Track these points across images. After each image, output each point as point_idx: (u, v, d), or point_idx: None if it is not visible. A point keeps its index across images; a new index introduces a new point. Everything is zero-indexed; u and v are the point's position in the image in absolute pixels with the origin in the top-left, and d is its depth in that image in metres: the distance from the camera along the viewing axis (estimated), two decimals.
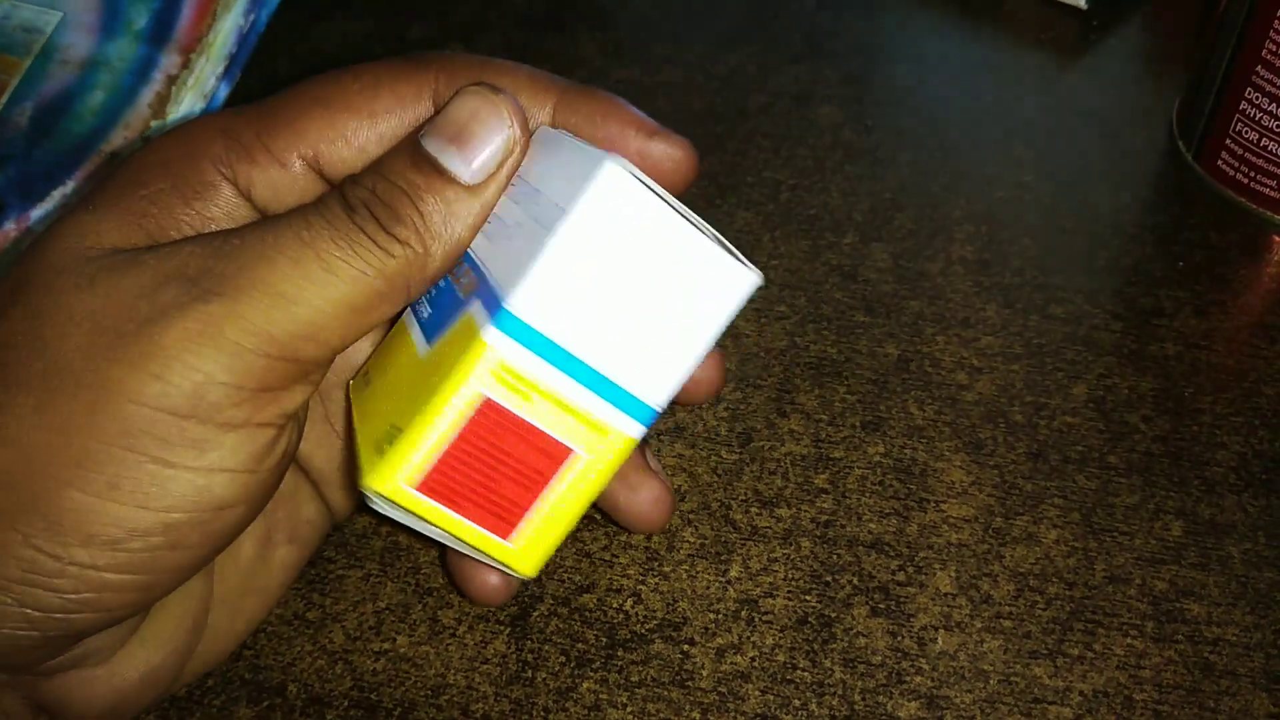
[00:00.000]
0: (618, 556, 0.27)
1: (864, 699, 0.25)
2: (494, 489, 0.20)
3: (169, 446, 0.19)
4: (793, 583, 0.27)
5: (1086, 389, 0.30)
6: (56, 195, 0.34)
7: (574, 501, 0.21)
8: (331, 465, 0.26)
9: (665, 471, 0.28)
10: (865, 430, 0.29)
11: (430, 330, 0.22)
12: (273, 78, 0.41)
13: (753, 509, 0.28)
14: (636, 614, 0.26)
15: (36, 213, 0.34)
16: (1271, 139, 0.32)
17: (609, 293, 0.20)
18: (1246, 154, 0.33)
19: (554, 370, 0.20)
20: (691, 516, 0.28)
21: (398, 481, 0.20)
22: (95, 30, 0.36)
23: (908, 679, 0.25)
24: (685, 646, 0.26)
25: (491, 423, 0.20)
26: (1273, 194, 0.33)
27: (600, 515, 0.28)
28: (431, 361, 0.21)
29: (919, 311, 0.32)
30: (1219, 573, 0.26)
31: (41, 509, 0.18)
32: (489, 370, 0.19)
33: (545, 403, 0.20)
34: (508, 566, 0.21)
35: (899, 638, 0.26)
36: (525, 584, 0.27)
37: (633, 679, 0.25)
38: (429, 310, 0.22)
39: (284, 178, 0.22)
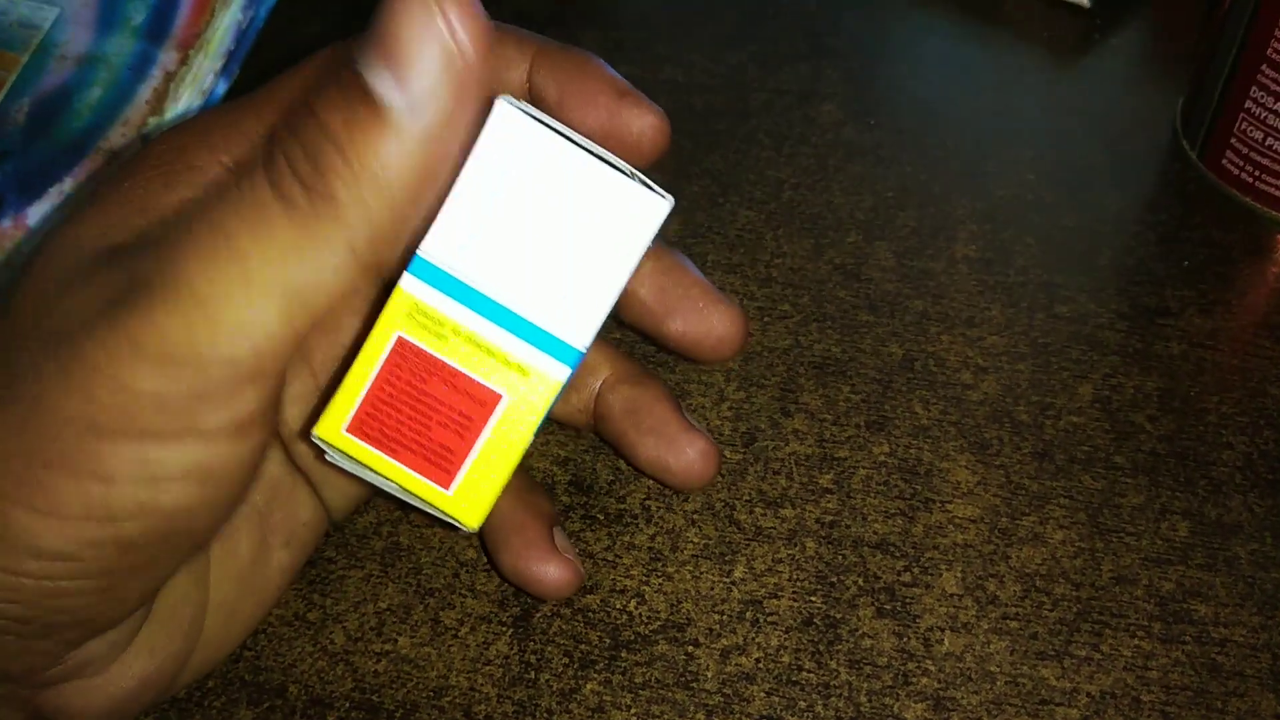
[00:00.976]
0: (621, 557, 0.27)
1: (870, 700, 0.24)
2: (428, 436, 0.21)
3: (103, 462, 0.18)
4: (798, 583, 0.26)
5: (1092, 389, 0.30)
6: (54, 192, 0.34)
7: (507, 448, 0.21)
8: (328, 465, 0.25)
9: None
10: (870, 430, 0.29)
11: None
12: (271, 74, 0.40)
13: (757, 509, 0.28)
14: (640, 615, 0.26)
15: (34, 209, 0.33)
16: (1276, 138, 0.32)
17: (518, 232, 0.20)
18: (1251, 153, 0.33)
19: (468, 311, 0.20)
20: (695, 517, 0.28)
21: (338, 428, 0.20)
22: (93, 26, 0.36)
23: (914, 680, 0.25)
24: (689, 648, 0.25)
25: (410, 364, 0.20)
26: (1277, 193, 0.33)
27: (604, 517, 0.28)
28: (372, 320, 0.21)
29: (923, 311, 0.32)
30: (1226, 573, 0.26)
31: None
32: (404, 312, 0.20)
33: (464, 345, 0.20)
34: (451, 517, 0.21)
35: (905, 639, 0.25)
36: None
37: (637, 680, 0.25)
38: None
39: None
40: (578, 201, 0.20)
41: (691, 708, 0.24)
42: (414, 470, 0.21)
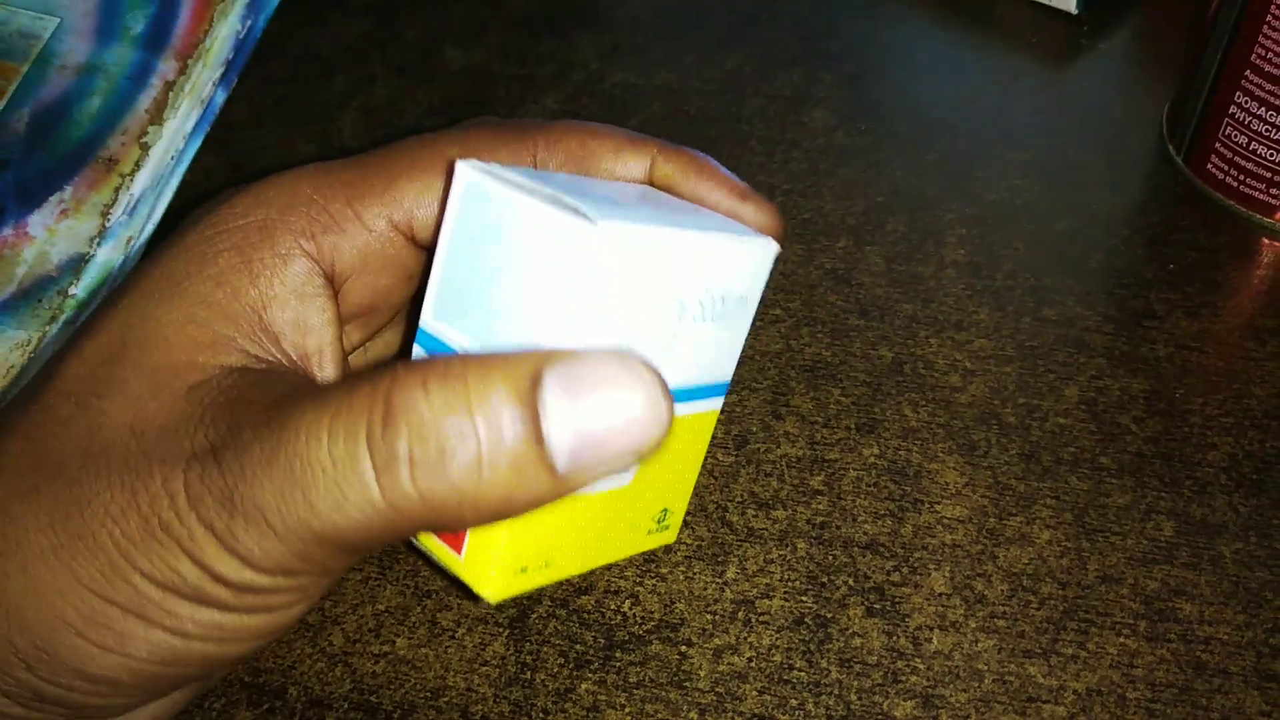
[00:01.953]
0: None
1: (860, 699, 0.25)
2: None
3: (179, 620, 0.18)
4: (789, 584, 0.27)
5: (1078, 390, 0.30)
6: (54, 201, 0.34)
7: (694, 465, 0.23)
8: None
9: None
10: (860, 432, 0.30)
11: None
12: (269, 82, 0.41)
13: (749, 511, 0.28)
14: (634, 615, 0.26)
15: (34, 218, 0.34)
16: (1261, 143, 0.33)
17: (498, 287, 0.19)
18: (1236, 157, 0.33)
19: None
20: (688, 518, 0.28)
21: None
22: (92, 36, 0.37)
23: (903, 679, 0.25)
24: (683, 647, 0.26)
25: None
26: (1262, 197, 0.33)
27: None
28: None
29: (912, 314, 0.32)
30: (1210, 572, 0.27)
31: (35, 639, 0.18)
32: None
33: None
34: (470, 586, 0.20)
35: (894, 638, 0.26)
36: None
37: (631, 680, 0.25)
38: None
39: (372, 244, 0.21)
40: (532, 242, 0.18)
41: (685, 706, 0.25)
42: (437, 537, 0.20)
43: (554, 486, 0.16)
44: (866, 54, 0.41)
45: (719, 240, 0.20)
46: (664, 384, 0.16)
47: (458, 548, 0.19)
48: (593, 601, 0.27)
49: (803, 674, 0.25)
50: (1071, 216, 0.35)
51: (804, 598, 0.27)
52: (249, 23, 0.37)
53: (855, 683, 0.25)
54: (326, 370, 0.21)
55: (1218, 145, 0.34)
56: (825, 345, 0.32)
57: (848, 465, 0.29)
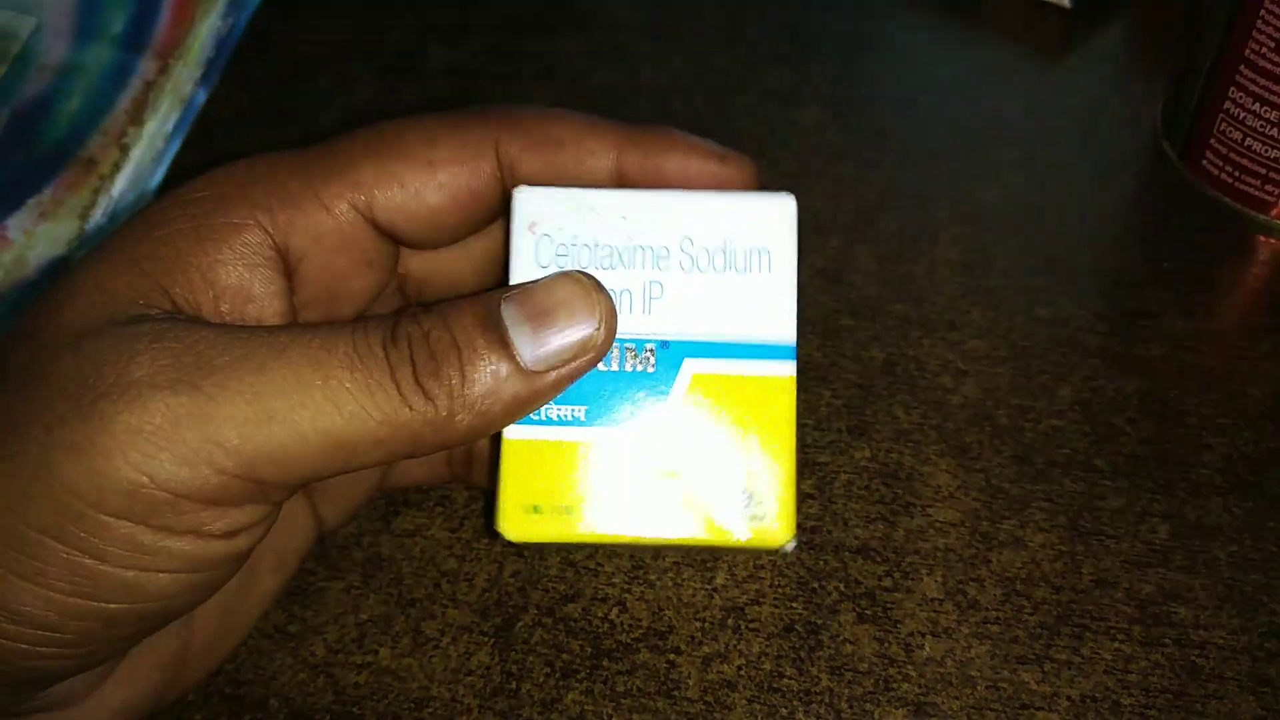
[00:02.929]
0: (603, 565, 0.27)
1: (851, 706, 0.25)
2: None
3: (98, 543, 0.18)
4: (779, 590, 0.26)
5: (1072, 391, 0.30)
6: (33, 203, 0.34)
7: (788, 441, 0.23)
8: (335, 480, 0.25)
9: None
10: (851, 435, 0.29)
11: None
12: (251, 82, 0.40)
13: None
14: (622, 623, 0.26)
15: (13, 220, 0.33)
16: (1256, 139, 0.32)
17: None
18: (1231, 154, 0.33)
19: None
20: None
21: None
22: (71, 36, 0.36)
23: (895, 686, 0.25)
24: (671, 655, 0.25)
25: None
26: (1258, 194, 0.33)
27: None
28: None
29: (904, 314, 0.32)
30: (1205, 576, 0.26)
31: None
32: None
33: None
34: (494, 524, 0.22)
35: (886, 644, 0.25)
36: (510, 594, 0.27)
37: (618, 689, 0.25)
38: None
39: (328, 222, 0.21)
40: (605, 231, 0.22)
41: (673, 716, 0.25)
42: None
43: (529, 385, 0.19)
44: (857, 51, 0.41)
45: (687, 195, 0.23)
46: (595, 288, 0.20)
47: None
48: (579, 609, 0.26)
49: (793, 682, 0.25)
50: (1065, 214, 0.34)
51: (794, 604, 0.26)
52: (230, 21, 0.37)
53: (846, 690, 0.25)
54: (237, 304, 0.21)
55: (1213, 142, 0.33)
56: (816, 346, 0.31)
57: (839, 468, 0.29)
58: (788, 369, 0.22)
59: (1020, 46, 0.40)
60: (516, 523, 0.21)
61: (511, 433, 0.21)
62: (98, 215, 0.34)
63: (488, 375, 0.19)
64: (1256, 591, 0.26)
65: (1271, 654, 0.25)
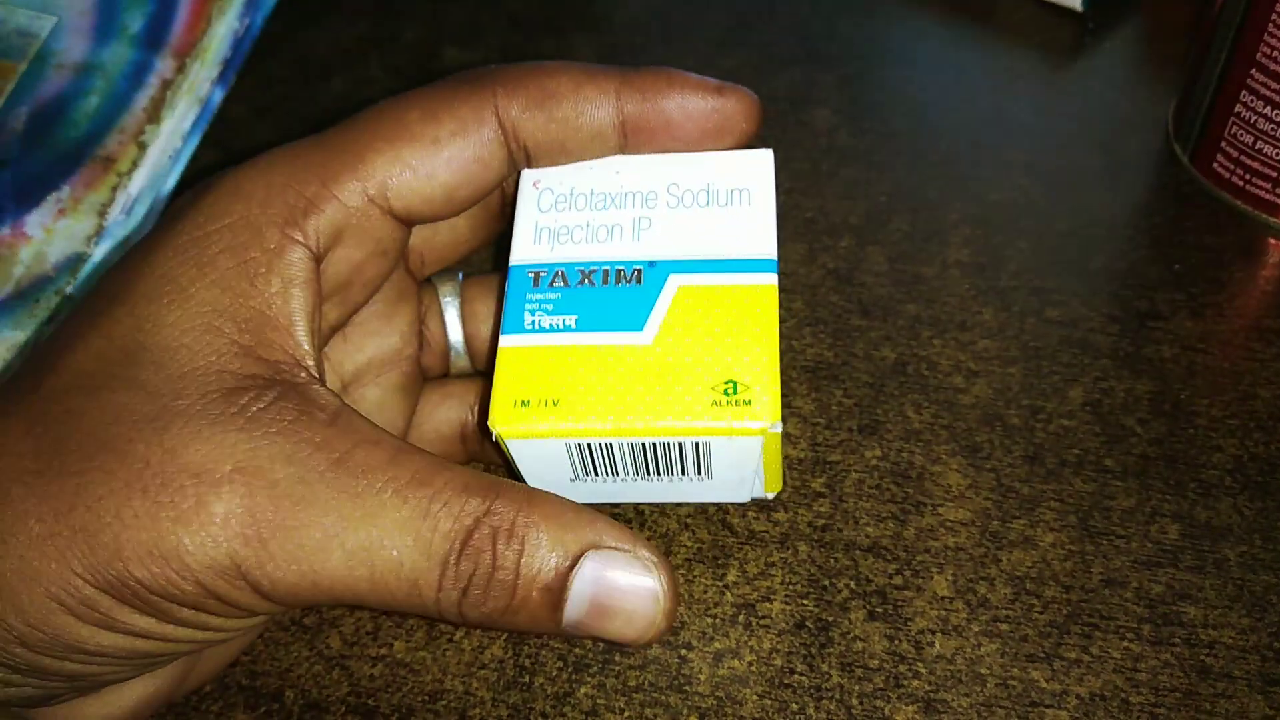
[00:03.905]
0: None
1: (861, 703, 0.25)
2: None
3: (142, 606, 0.19)
4: (790, 587, 0.27)
5: (1083, 392, 0.30)
6: (51, 200, 0.34)
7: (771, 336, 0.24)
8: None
9: None
10: (862, 433, 0.29)
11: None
12: (267, 82, 0.41)
13: (750, 513, 0.28)
14: None
15: (32, 217, 0.34)
16: (1267, 142, 0.32)
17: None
18: (1242, 156, 0.33)
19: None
20: (688, 521, 0.28)
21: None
22: (90, 35, 0.36)
23: (905, 683, 0.25)
24: (683, 651, 0.26)
25: None
26: (1268, 196, 0.33)
27: None
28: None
29: (915, 314, 0.32)
30: (1215, 576, 0.26)
31: (29, 618, 0.18)
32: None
33: None
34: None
35: (896, 641, 0.26)
36: None
37: (630, 684, 0.25)
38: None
39: (347, 219, 0.22)
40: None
41: (685, 711, 0.25)
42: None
43: (554, 631, 0.20)
44: (867, 54, 0.41)
45: (676, 155, 0.25)
46: (673, 602, 0.21)
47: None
48: None
49: (804, 678, 0.25)
50: (1076, 216, 0.35)
51: (805, 601, 0.26)
52: (247, 21, 0.37)
53: (857, 687, 0.25)
54: (302, 340, 0.21)
55: (1224, 144, 0.34)
56: (827, 346, 0.31)
57: (850, 467, 0.29)
58: (769, 279, 0.23)
59: (1031, 49, 0.40)
60: (505, 415, 0.22)
61: (507, 341, 0.22)
62: (116, 212, 0.34)
63: (521, 623, 0.20)
64: (1266, 591, 0.26)
65: None
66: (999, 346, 0.31)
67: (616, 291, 0.23)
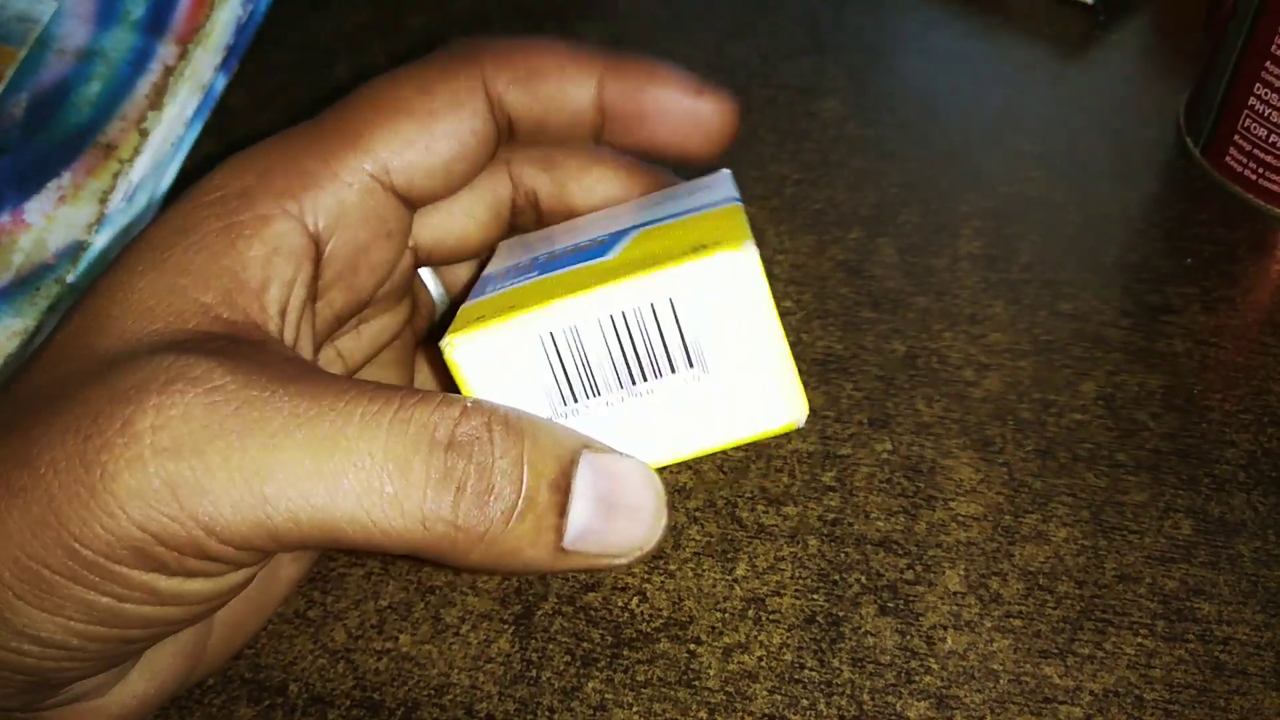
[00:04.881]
0: None
1: (873, 699, 0.24)
2: None
3: (114, 586, 0.17)
4: (800, 581, 0.26)
5: (1095, 386, 0.30)
6: (52, 187, 0.33)
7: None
8: None
9: (670, 470, 0.28)
10: (872, 427, 0.29)
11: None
12: (270, 69, 0.40)
13: (759, 507, 0.28)
14: (642, 613, 0.26)
15: (32, 204, 0.33)
16: None
17: None
18: (1255, 150, 0.33)
19: None
20: (697, 514, 0.28)
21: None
22: (91, 20, 0.36)
23: (917, 679, 0.25)
24: (692, 645, 0.25)
25: None
26: None
27: None
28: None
29: (926, 307, 0.32)
30: (1229, 571, 0.26)
31: None
32: None
33: None
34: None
35: (908, 637, 0.25)
36: (530, 582, 0.27)
37: (639, 678, 0.25)
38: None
39: (349, 196, 0.21)
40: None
41: (694, 706, 0.24)
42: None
43: (551, 558, 0.19)
44: (877, 44, 0.40)
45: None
46: (666, 504, 0.20)
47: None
48: (600, 598, 0.26)
49: (814, 673, 0.25)
50: (1087, 209, 0.34)
51: (815, 596, 0.26)
52: (250, 7, 0.37)
53: (868, 683, 0.25)
54: (290, 329, 0.20)
55: (1236, 138, 0.33)
56: (837, 338, 0.31)
57: (860, 461, 0.28)
58: (734, 203, 0.22)
59: (1042, 41, 0.40)
60: (463, 330, 0.19)
61: (469, 301, 0.22)
62: (117, 199, 0.33)
63: (525, 532, 0.18)
64: None
65: None
66: (1010, 340, 0.31)
67: (581, 253, 0.22)
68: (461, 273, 0.27)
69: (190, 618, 0.19)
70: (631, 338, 0.20)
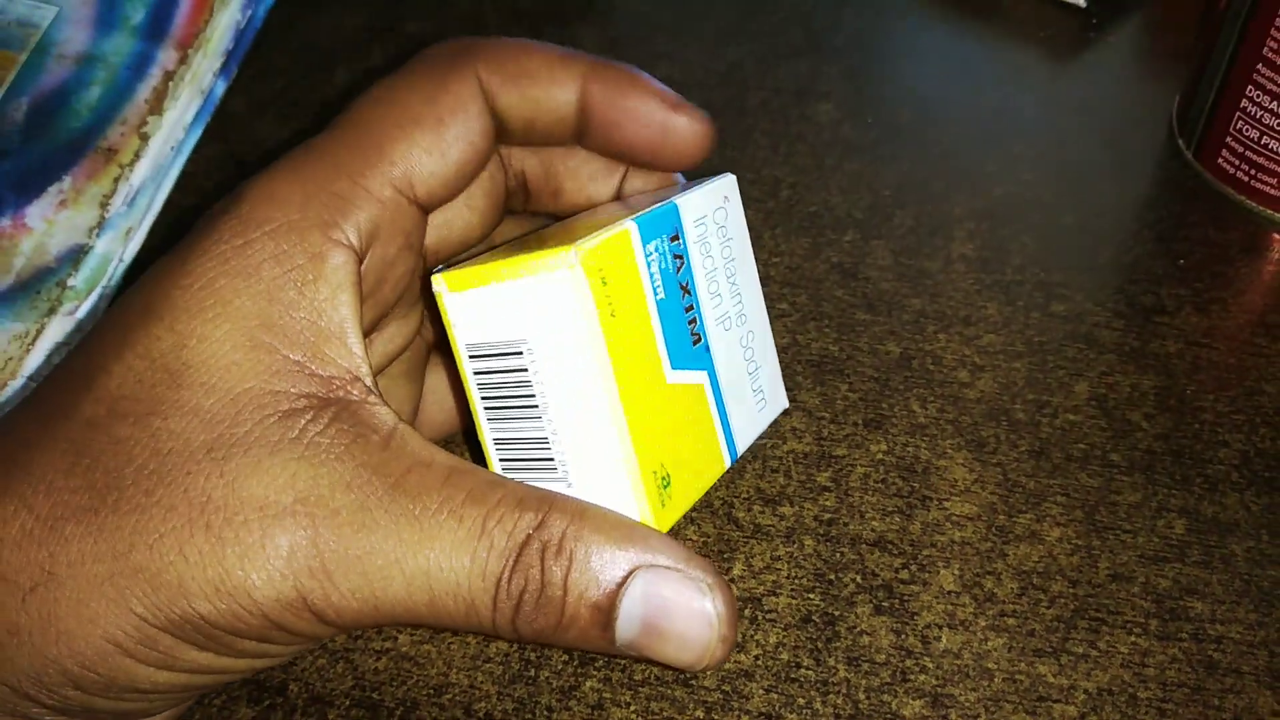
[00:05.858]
0: None
1: (868, 697, 0.25)
2: None
3: (205, 642, 0.19)
4: (796, 581, 0.27)
5: (1088, 387, 0.30)
6: (53, 191, 0.34)
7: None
8: None
9: None
10: (867, 428, 0.29)
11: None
12: (270, 73, 0.40)
13: (755, 507, 0.28)
14: None
15: (32, 208, 0.33)
16: (1272, 137, 0.32)
17: None
18: (1247, 151, 0.33)
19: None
20: (694, 515, 0.28)
21: None
22: (91, 25, 0.36)
23: (912, 677, 0.25)
24: None
25: None
26: (1273, 192, 0.33)
27: None
28: None
29: (920, 309, 0.32)
30: (1222, 570, 0.26)
31: (85, 662, 0.18)
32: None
33: None
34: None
35: (903, 636, 0.26)
36: None
37: (636, 677, 0.25)
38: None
39: (380, 213, 0.21)
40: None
41: (690, 705, 0.25)
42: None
43: (610, 650, 0.20)
44: (872, 47, 0.41)
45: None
46: (731, 629, 0.20)
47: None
48: None
49: (810, 672, 0.25)
50: (1080, 211, 0.35)
51: (811, 595, 0.26)
52: (249, 12, 0.37)
53: (863, 681, 0.25)
54: (356, 350, 0.21)
55: (1228, 140, 0.33)
56: (832, 340, 0.31)
57: (855, 461, 0.29)
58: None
59: (1035, 44, 0.40)
60: (456, 280, 0.21)
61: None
62: (118, 203, 0.34)
63: (574, 640, 0.20)
64: (1273, 586, 0.26)
65: None
66: (1004, 341, 0.31)
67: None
68: None
69: (263, 668, 0.21)
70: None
